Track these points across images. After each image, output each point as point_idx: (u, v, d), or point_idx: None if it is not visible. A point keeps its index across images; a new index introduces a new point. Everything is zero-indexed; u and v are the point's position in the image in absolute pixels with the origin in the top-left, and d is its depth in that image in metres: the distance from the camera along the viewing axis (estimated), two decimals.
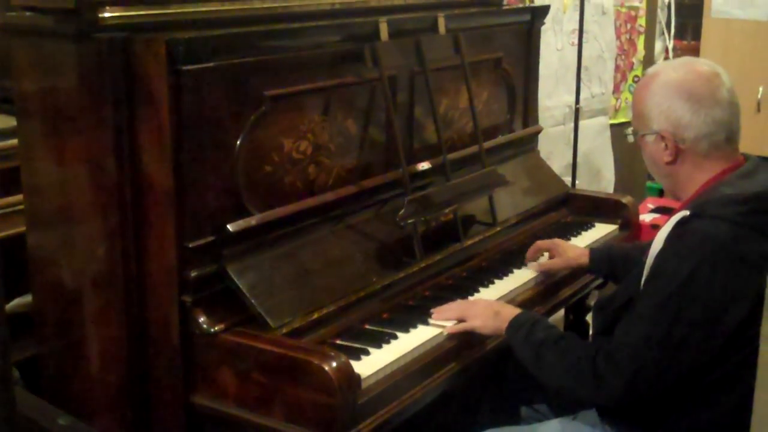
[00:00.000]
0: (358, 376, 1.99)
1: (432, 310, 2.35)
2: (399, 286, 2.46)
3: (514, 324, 2.22)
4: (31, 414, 2.16)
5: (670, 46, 5.46)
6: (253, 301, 2.11)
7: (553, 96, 4.54)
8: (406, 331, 2.27)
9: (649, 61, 5.26)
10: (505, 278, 2.66)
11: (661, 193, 5.37)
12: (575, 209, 3.29)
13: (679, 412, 2.08)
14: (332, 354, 1.97)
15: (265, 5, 2.42)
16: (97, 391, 2.28)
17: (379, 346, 2.17)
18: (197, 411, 2.13)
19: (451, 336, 2.28)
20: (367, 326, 2.30)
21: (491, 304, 2.35)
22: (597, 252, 2.72)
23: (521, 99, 3.27)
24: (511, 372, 2.57)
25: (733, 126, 2.12)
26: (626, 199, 3.25)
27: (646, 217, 4.55)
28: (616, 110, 5.18)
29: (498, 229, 2.88)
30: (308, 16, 2.52)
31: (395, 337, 2.22)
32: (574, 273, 2.78)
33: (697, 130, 2.09)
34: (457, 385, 2.33)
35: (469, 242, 2.74)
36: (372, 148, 2.59)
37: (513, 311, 2.28)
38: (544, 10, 3.34)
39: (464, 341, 2.30)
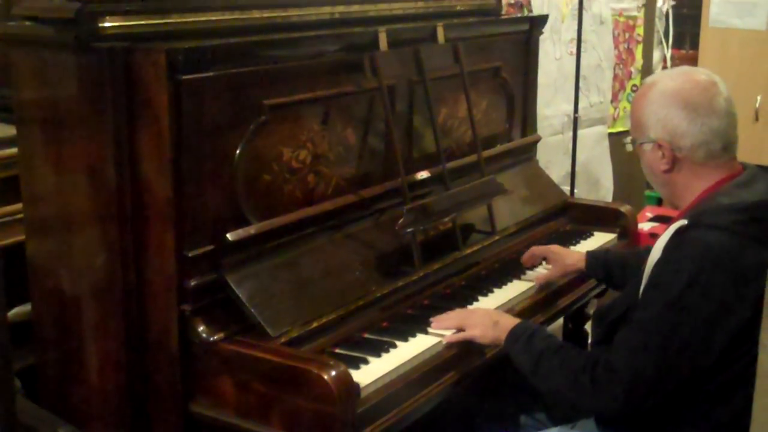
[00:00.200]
0: (357, 385, 2.00)
1: (431, 319, 2.36)
2: (398, 295, 2.47)
3: (513, 334, 2.23)
4: (32, 422, 2.17)
5: (668, 56, 5.47)
6: (252, 310, 2.11)
7: (551, 105, 4.55)
8: (405, 340, 2.27)
9: (647, 70, 5.27)
10: (504, 287, 2.66)
11: (659, 201, 5.37)
12: (574, 218, 3.30)
13: (678, 421, 2.08)
14: (331, 363, 1.97)
15: (265, 15, 2.43)
16: (96, 399, 2.28)
17: (378, 355, 2.17)
18: (196, 420, 2.13)
19: (450, 345, 2.28)
20: (366, 335, 2.30)
21: (490, 314, 2.35)
22: (593, 256, 2.73)
23: (520, 108, 3.27)
24: (510, 380, 2.57)
25: (729, 135, 2.13)
26: (625, 208, 3.25)
27: (644, 226, 4.56)
28: (615, 119, 5.19)
29: (497, 238, 2.89)
30: (307, 26, 2.53)
31: (394, 346, 2.22)
32: (573, 282, 2.78)
33: (693, 139, 2.10)
34: (456, 393, 2.33)
35: (468, 251, 2.75)
36: (371, 157, 2.60)
37: (512, 321, 2.28)
38: (543, 19, 3.36)
39: (463, 350, 2.30)
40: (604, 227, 3.21)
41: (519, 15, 4.21)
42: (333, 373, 1.93)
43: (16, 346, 2.33)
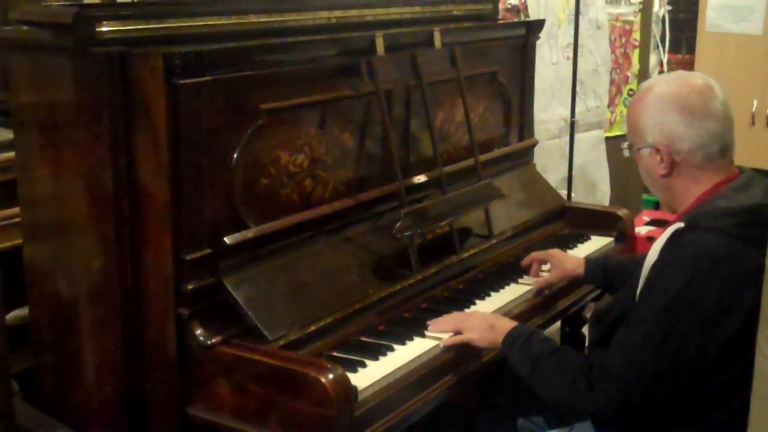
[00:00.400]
0: (355, 388, 2.00)
1: (428, 322, 2.36)
2: (395, 299, 2.47)
3: (510, 337, 2.23)
4: (30, 426, 2.17)
5: (665, 60, 5.48)
6: (249, 313, 2.12)
7: (548, 109, 4.56)
8: (403, 343, 2.27)
9: (643, 74, 5.28)
10: (501, 290, 2.67)
11: (656, 205, 5.38)
12: (571, 222, 3.30)
13: (675, 424, 2.08)
14: (329, 366, 1.97)
15: (262, 19, 2.44)
16: (94, 402, 2.28)
17: (376, 358, 2.17)
18: (194, 423, 2.13)
19: (448, 348, 2.29)
20: (364, 338, 2.31)
21: (487, 317, 2.36)
22: (592, 262, 2.73)
23: (517, 112, 3.28)
24: (508, 383, 2.57)
25: (726, 138, 2.13)
26: (622, 212, 3.25)
27: (641, 230, 4.56)
28: (612, 123, 5.20)
29: (494, 241, 2.89)
30: (305, 31, 2.54)
31: (392, 349, 2.23)
32: (571, 285, 2.79)
33: (691, 142, 2.10)
34: (454, 396, 2.33)
35: (466, 255, 2.75)
36: (368, 161, 2.60)
37: (509, 324, 2.28)
38: (539, 24, 3.36)
39: (460, 353, 2.31)
40: (601, 231, 3.21)
41: (516, 20, 4.22)
42: (330, 376, 1.93)
43: (14, 349, 2.34)
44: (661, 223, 4.47)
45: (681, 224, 2.05)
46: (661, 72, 5.36)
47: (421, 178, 2.71)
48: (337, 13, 2.64)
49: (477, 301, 2.57)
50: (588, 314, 2.97)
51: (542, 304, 2.70)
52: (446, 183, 2.73)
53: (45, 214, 2.29)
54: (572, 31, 4.38)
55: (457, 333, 2.31)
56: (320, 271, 2.34)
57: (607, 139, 5.08)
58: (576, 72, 4.38)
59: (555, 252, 2.80)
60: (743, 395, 1.71)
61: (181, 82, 2.02)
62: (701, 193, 2.13)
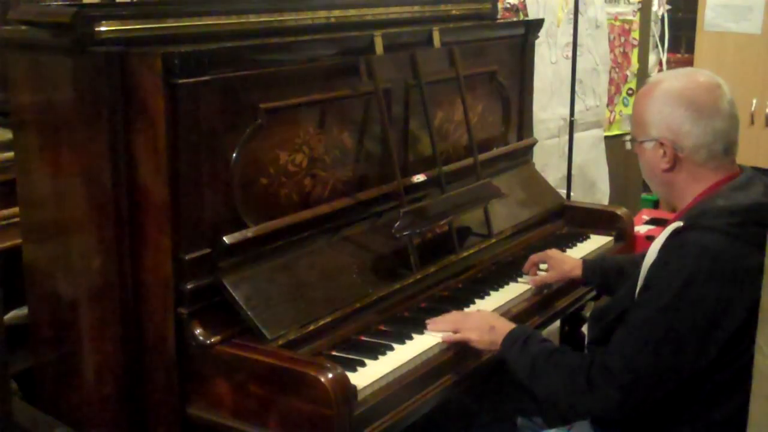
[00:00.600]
0: (354, 387, 2.00)
1: (427, 321, 2.36)
2: (395, 298, 2.47)
3: (509, 338, 2.23)
4: (29, 425, 2.17)
5: (664, 59, 5.48)
6: (249, 313, 2.12)
7: (547, 109, 4.56)
8: (402, 342, 2.27)
9: (643, 73, 5.28)
10: (500, 290, 2.67)
11: (656, 204, 5.38)
12: (570, 221, 3.30)
13: (674, 423, 2.08)
14: (328, 365, 1.97)
15: (261, 19, 2.44)
16: (93, 402, 2.29)
17: (375, 358, 2.17)
18: (193, 422, 2.14)
19: (447, 347, 2.29)
20: (363, 338, 2.31)
21: (486, 318, 2.35)
22: (590, 263, 2.73)
23: (516, 111, 3.28)
24: (507, 383, 2.57)
25: (731, 137, 2.13)
26: (621, 211, 3.25)
27: (641, 229, 4.56)
28: (611, 123, 5.20)
29: (493, 240, 2.89)
30: (304, 30, 2.54)
31: (391, 349, 2.23)
32: (570, 284, 2.79)
33: (696, 139, 2.10)
34: (453, 395, 2.33)
35: (465, 254, 2.75)
36: (367, 160, 2.60)
37: (508, 325, 2.28)
38: (538, 23, 3.36)
39: (460, 353, 2.31)
40: (601, 230, 3.21)
41: (515, 19, 4.22)
42: (330, 375, 1.93)
43: (13, 349, 2.34)
44: (660, 222, 4.47)
45: (680, 223, 2.05)
46: (660, 71, 5.36)
47: (420, 178, 2.71)
48: (336, 13, 2.65)
49: (476, 300, 2.57)
50: (587, 313, 2.97)
51: (542, 303, 2.70)
52: (445, 182, 2.73)
53: (44, 214, 2.29)
54: (571, 31, 4.38)
55: (456, 332, 2.31)
56: (319, 270, 2.34)
57: (607, 138, 5.08)
58: (575, 71, 4.38)
59: (553, 252, 2.80)
60: (742, 394, 1.71)
61: (180, 81, 2.02)
62: (701, 191, 2.13)
